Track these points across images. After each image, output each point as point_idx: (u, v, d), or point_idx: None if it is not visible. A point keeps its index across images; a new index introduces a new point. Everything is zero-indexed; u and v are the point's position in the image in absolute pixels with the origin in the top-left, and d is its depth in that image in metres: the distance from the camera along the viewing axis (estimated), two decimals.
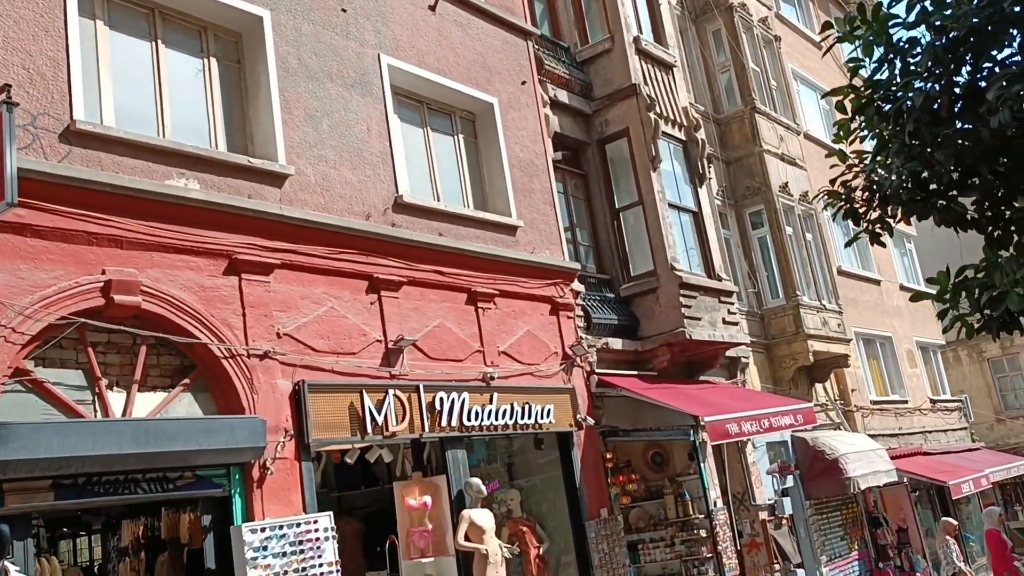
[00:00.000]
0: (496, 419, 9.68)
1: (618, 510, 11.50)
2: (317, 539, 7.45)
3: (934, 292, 4.89)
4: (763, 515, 14.45)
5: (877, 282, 21.71)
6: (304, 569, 7.30)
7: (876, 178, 5.11)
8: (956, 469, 19.29)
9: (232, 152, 8.25)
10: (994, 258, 4.52)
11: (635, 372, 12.22)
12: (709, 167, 15.86)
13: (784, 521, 14.75)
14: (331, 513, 7.76)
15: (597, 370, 11.65)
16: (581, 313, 11.85)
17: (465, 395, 9.35)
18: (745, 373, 15.01)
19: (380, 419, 8.41)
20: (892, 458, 18.71)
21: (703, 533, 13.10)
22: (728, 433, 10.89)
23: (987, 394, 27.79)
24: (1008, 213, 4.85)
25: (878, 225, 5.32)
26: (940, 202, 4.88)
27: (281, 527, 7.26)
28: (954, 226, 5.01)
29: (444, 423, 9.09)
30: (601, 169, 13.34)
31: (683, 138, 13.91)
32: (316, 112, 8.94)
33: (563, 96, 12.91)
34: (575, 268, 11.62)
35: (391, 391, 8.60)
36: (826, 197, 5.40)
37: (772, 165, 16.69)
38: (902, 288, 23.19)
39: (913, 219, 5.37)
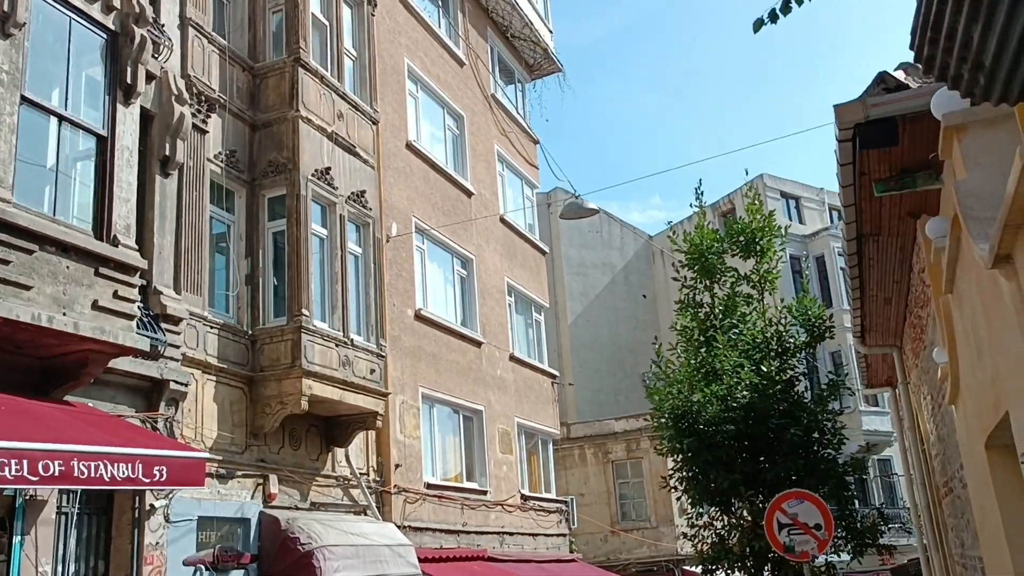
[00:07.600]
0: None
1: None
2: None
3: None
4: None
5: (478, 343, 17.86)
6: None
7: None
8: None
9: None
10: None
11: None
12: (209, 115, 11.17)
13: None
14: None
15: None
16: None
17: None
18: (180, 408, 10.01)
19: None
20: (440, 560, 14.48)
21: None
22: None
23: (607, 500, 24.82)
24: None
25: None
26: None
27: None
28: None
29: None
30: None
31: (112, 26, 9.08)
32: None
33: None
34: None
35: None
36: None
37: (310, 140, 12.25)
38: (513, 359, 19.59)
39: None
